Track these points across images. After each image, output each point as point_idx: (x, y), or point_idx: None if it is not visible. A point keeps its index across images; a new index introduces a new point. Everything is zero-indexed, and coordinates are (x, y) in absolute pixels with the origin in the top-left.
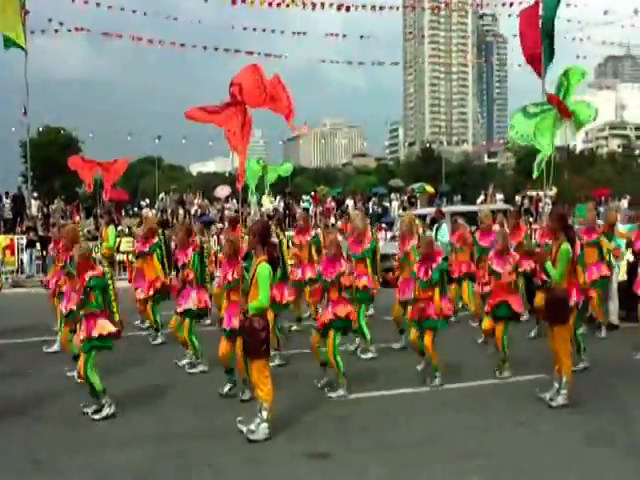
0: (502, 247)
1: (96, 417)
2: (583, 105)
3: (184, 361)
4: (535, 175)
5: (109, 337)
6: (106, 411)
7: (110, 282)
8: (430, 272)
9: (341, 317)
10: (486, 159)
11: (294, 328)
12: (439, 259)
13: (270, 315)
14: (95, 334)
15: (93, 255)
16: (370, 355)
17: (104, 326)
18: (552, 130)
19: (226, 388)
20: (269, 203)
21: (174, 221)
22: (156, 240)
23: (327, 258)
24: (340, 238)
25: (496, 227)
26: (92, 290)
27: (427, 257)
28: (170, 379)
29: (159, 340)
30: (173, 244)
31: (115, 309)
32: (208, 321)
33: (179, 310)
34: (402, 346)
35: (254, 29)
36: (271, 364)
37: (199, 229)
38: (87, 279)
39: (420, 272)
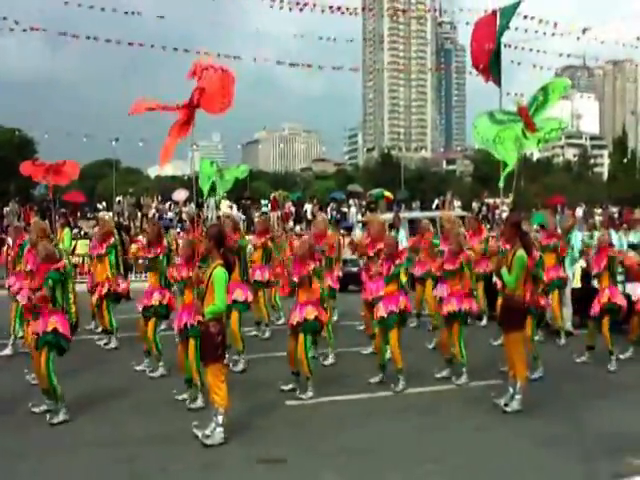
0: (455, 248)
1: (55, 421)
2: (555, 122)
3: (142, 365)
4: (501, 184)
5: (63, 336)
6: (63, 416)
7: (70, 279)
8: (393, 269)
9: (310, 319)
10: (445, 166)
11: (253, 332)
12: (403, 257)
13: (234, 315)
14: (49, 329)
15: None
16: (330, 361)
17: (59, 323)
18: (514, 142)
19: (185, 395)
20: (227, 207)
21: (131, 224)
22: (112, 241)
23: (297, 258)
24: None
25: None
26: (51, 284)
27: (391, 256)
28: (125, 384)
29: (113, 344)
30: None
31: (73, 309)
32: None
33: (140, 308)
34: (372, 352)
35: (213, 29)
36: (236, 369)
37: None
38: (47, 272)
39: (384, 269)
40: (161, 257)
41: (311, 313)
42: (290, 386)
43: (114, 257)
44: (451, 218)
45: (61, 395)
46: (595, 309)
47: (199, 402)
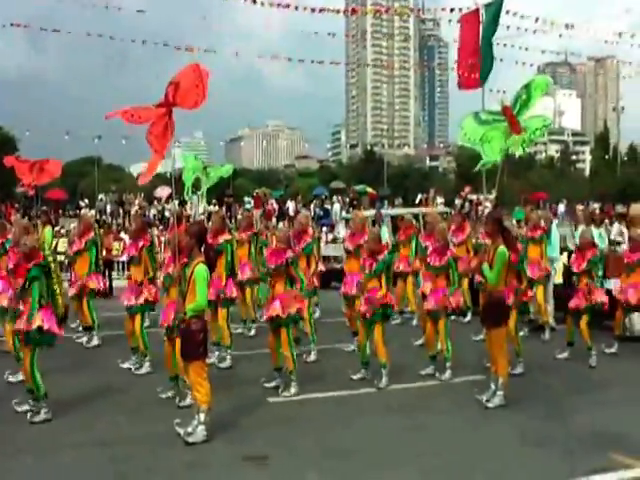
0: (441, 243)
1: (36, 420)
2: (539, 120)
3: (128, 363)
4: (478, 166)
5: (49, 333)
6: (44, 415)
7: (54, 274)
8: (375, 265)
9: (291, 314)
10: (428, 162)
11: (239, 330)
12: (385, 253)
13: (223, 311)
14: (33, 326)
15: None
16: (312, 357)
17: (44, 320)
18: (500, 142)
19: (170, 393)
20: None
21: (112, 222)
22: (92, 235)
23: (274, 248)
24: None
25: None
26: (33, 281)
27: (373, 251)
28: (109, 382)
29: (95, 342)
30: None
31: (59, 301)
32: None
33: (126, 305)
34: (354, 349)
35: (196, 26)
36: (222, 365)
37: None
38: (29, 268)
39: (366, 265)
40: (145, 250)
41: (291, 306)
42: (273, 383)
43: (94, 253)
44: (435, 214)
45: (43, 394)
46: (573, 304)
47: (188, 400)
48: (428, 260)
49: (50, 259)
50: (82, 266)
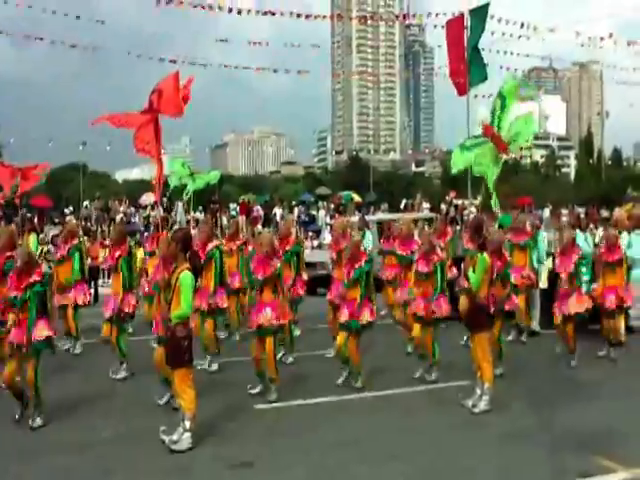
0: (427, 248)
1: (35, 425)
2: (522, 122)
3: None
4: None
5: (50, 341)
6: (40, 421)
7: (48, 285)
8: (353, 272)
9: (280, 323)
10: (413, 168)
11: (222, 336)
12: (363, 261)
13: (210, 322)
14: (42, 336)
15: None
16: (290, 360)
17: (43, 329)
18: (492, 165)
19: (165, 398)
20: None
21: (98, 229)
22: (76, 242)
23: (259, 257)
24: None
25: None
26: (33, 293)
27: (352, 258)
28: (93, 387)
29: (78, 350)
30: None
31: (52, 313)
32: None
33: (106, 316)
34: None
35: (178, 34)
36: (211, 369)
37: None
38: (30, 283)
39: (345, 273)
40: (122, 260)
41: (277, 316)
42: (257, 389)
43: (78, 260)
44: (409, 221)
45: (43, 400)
46: (560, 311)
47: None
48: (415, 266)
49: (48, 278)
50: (66, 273)
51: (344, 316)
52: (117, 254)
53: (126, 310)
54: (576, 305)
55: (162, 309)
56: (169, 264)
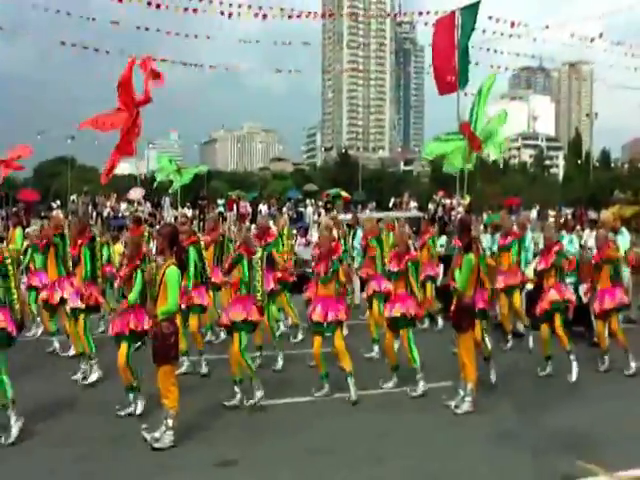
0: (401, 248)
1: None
2: (496, 120)
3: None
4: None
5: (5, 333)
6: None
7: (12, 275)
8: (328, 268)
9: (252, 320)
10: (402, 166)
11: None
12: (337, 254)
13: (193, 320)
14: None
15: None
16: (280, 363)
17: (5, 320)
18: (463, 155)
19: (129, 409)
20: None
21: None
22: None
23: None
24: None
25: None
26: None
27: (327, 253)
28: (73, 385)
29: (55, 346)
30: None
31: (17, 306)
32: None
33: (68, 307)
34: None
35: (167, 32)
36: (202, 371)
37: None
38: None
39: (320, 269)
40: (84, 249)
41: (248, 314)
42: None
43: (60, 252)
44: (372, 219)
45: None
46: (541, 307)
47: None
48: (388, 265)
49: (8, 261)
50: (51, 267)
51: (317, 316)
52: (79, 242)
53: (90, 302)
54: (555, 296)
55: (148, 306)
56: (132, 261)
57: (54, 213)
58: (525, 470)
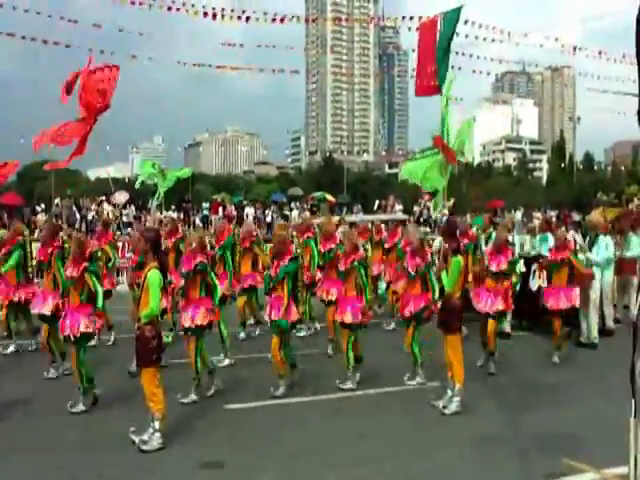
0: (348, 248)
1: None
2: (465, 127)
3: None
4: (435, 213)
5: None
6: None
7: None
8: (278, 270)
9: (203, 325)
10: (387, 169)
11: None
12: (287, 259)
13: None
14: None
15: None
16: (227, 362)
17: None
18: (440, 177)
19: (78, 407)
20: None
21: (69, 228)
22: (18, 240)
23: (188, 253)
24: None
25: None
26: None
27: (278, 255)
28: (53, 387)
29: (11, 349)
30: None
31: None
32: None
33: (34, 312)
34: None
35: (150, 33)
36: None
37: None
38: None
39: (272, 270)
40: (53, 257)
41: (201, 318)
42: (212, 390)
43: (17, 259)
44: (330, 221)
45: None
46: (487, 309)
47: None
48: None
49: None
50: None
51: (273, 315)
52: (49, 250)
53: (54, 311)
54: (498, 304)
55: (132, 309)
56: (77, 262)
57: (38, 217)
58: (510, 469)
